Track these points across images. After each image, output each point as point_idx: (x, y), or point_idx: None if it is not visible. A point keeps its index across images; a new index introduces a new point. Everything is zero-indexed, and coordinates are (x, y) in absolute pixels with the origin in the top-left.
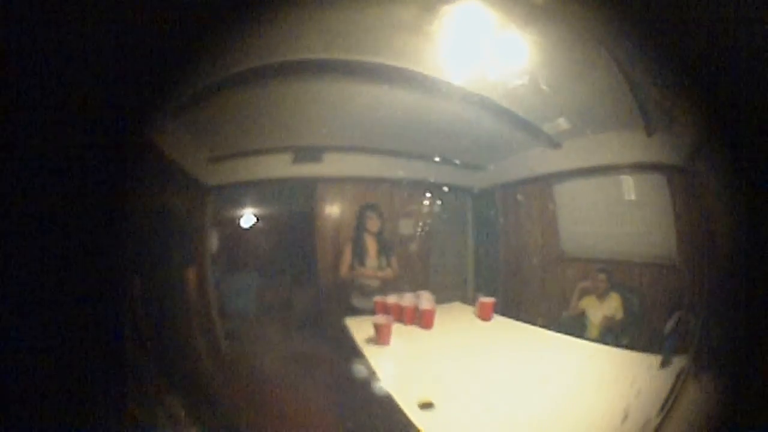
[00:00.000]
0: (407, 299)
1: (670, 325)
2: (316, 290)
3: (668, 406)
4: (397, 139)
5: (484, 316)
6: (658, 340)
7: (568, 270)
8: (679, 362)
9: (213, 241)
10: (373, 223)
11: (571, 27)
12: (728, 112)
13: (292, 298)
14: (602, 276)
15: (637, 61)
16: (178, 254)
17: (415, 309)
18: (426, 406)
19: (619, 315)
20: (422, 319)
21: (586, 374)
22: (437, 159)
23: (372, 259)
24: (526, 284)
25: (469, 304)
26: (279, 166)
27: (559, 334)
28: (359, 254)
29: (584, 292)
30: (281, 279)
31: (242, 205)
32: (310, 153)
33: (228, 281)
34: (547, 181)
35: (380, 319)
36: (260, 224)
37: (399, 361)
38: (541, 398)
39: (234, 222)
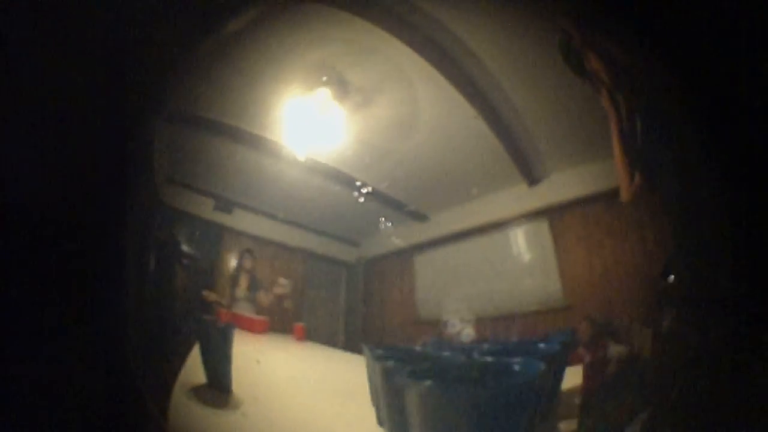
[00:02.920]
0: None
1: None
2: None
3: None
4: (288, 209)
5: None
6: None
7: (419, 330)
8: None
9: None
10: (248, 264)
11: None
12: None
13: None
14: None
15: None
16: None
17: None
18: None
19: None
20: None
21: None
22: (319, 231)
23: (242, 289)
24: (383, 342)
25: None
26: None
27: None
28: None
29: None
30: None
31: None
32: (222, 204)
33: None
34: (409, 253)
35: None
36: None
37: None
38: None
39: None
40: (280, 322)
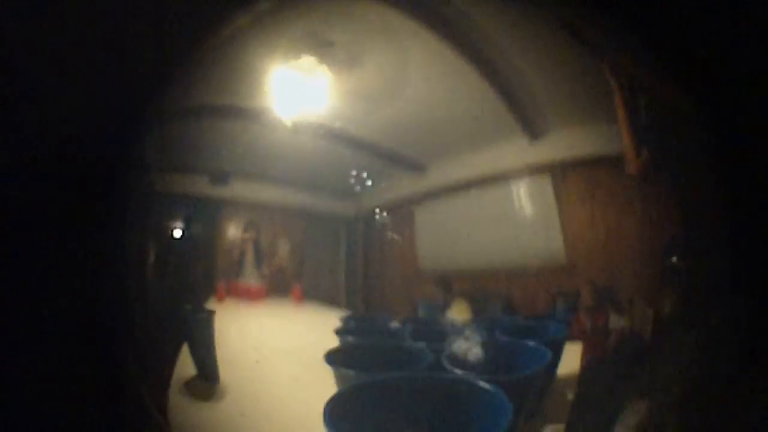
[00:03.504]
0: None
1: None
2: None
3: None
4: (281, 171)
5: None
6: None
7: (418, 282)
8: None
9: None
10: (251, 236)
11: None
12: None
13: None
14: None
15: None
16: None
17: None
18: None
19: (465, 317)
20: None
21: None
22: (315, 189)
23: (249, 261)
24: (384, 297)
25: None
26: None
27: None
28: (242, 257)
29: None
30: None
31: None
32: (216, 177)
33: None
34: (408, 204)
35: None
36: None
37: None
38: None
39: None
40: (279, 285)
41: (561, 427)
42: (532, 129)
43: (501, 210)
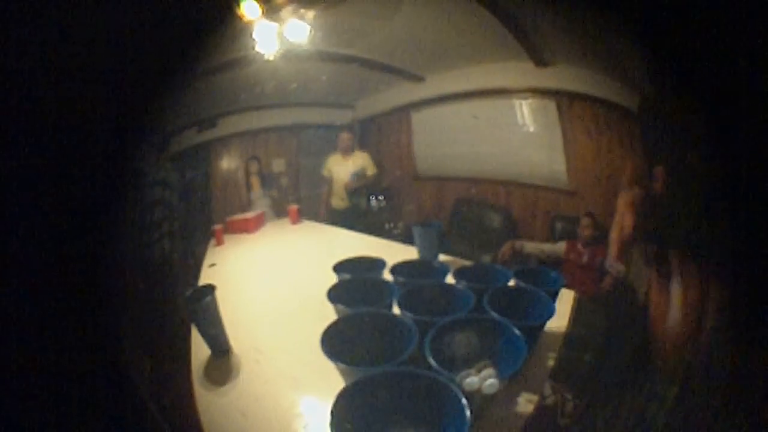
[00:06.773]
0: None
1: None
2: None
3: None
4: (270, 97)
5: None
6: None
7: (421, 187)
8: None
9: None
10: (254, 167)
11: None
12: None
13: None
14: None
15: None
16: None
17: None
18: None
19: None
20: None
21: None
22: (305, 105)
23: (256, 190)
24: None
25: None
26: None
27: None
28: (247, 188)
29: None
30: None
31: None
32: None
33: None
34: (406, 111)
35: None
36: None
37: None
38: None
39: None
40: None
41: (535, 397)
42: (539, 56)
43: (502, 122)
